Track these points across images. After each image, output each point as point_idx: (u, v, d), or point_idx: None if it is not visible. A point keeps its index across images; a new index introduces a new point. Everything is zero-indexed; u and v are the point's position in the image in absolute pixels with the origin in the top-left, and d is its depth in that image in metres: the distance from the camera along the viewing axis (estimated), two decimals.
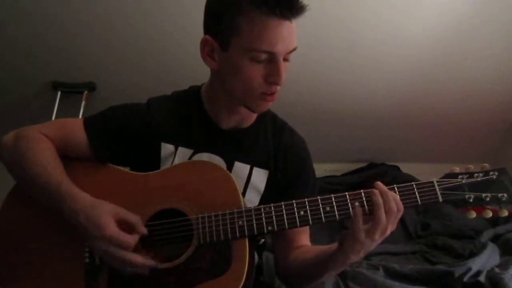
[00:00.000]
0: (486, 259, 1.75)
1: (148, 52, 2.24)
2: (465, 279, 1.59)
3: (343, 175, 2.82)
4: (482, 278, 1.57)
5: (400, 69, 2.42)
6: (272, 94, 0.97)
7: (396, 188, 0.88)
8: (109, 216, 0.89)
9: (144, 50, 2.22)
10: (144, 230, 0.92)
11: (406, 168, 2.79)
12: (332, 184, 2.62)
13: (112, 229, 0.88)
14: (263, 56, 0.91)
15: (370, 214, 0.86)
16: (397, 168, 2.81)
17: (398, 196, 0.87)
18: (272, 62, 0.92)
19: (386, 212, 0.85)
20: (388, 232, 0.86)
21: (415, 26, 2.21)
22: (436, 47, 2.30)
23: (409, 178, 2.65)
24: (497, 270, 1.63)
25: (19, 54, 2.20)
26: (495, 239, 1.99)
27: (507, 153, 2.89)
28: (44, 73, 2.29)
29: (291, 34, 0.91)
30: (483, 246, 1.86)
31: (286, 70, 0.95)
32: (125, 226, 0.91)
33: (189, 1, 2.02)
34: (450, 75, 2.46)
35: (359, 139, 2.80)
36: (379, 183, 0.88)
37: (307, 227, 1.12)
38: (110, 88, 2.35)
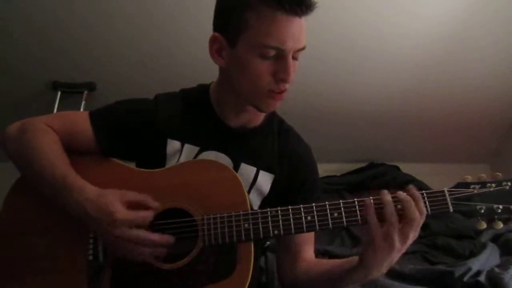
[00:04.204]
0: (486, 259, 1.75)
1: (148, 52, 2.24)
2: (465, 279, 1.59)
3: (343, 175, 2.82)
4: (482, 278, 1.57)
5: (400, 69, 2.42)
6: (281, 92, 0.96)
7: None
8: (117, 201, 0.89)
9: (144, 50, 2.22)
10: (156, 204, 0.92)
11: (406, 168, 2.79)
12: (332, 184, 2.62)
13: (123, 212, 0.87)
14: (272, 53, 0.90)
15: (381, 220, 0.84)
16: (397, 168, 2.81)
17: (421, 200, 0.84)
18: (280, 58, 0.91)
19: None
20: (411, 238, 0.82)
21: (416, 26, 2.21)
22: (436, 46, 2.30)
23: (409, 178, 2.65)
24: (497, 270, 1.63)
25: (19, 54, 2.19)
26: (495, 239, 1.99)
27: (507, 153, 2.89)
28: (44, 73, 2.29)
29: (301, 31, 0.90)
30: (483, 246, 1.87)
31: (295, 69, 0.94)
32: (135, 207, 0.90)
33: (190, 1, 2.02)
34: (450, 74, 2.46)
35: (359, 139, 2.80)
36: (400, 192, 0.84)
37: (313, 240, 1.11)
38: (110, 88, 2.35)
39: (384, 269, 0.86)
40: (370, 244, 0.84)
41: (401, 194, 0.84)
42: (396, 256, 0.84)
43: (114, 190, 0.92)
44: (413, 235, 0.83)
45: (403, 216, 0.83)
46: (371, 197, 0.86)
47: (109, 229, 0.87)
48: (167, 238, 0.90)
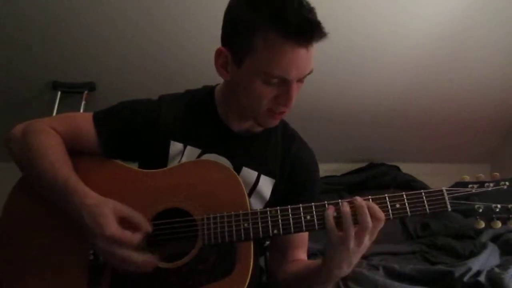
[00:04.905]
0: (486, 259, 1.75)
1: (148, 52, 2.24)
2: (465, 279, 1.59)
3: (343, 175, 2.82)
4: (482, 278, 1.57)
5: (400, 69, 2.42)
6: (280, 113, 0.97)
7: (404, 195, 0.88)
8: (111, 214, 0.89)
9: (144, 50, 2.22)
10: (148, 227, 0.91)
11: (406, 168, 2.79)
12: (332, 184, 2.62)
13: (112, 228, 0.87)
14: (275, 80, 0.90)
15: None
16: (397, 168, 2.81)
17: (376, 206, 0.85)
18: (284, 85, 0.91)
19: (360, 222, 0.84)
20: (366, 241, 0.85)
21: (416, 26, 2.21)
22: (436, 46, 2.30)
23: (409, 178, 2.65)
24: (497, 270, 1.63)
25: (19, 54, 2.19)
26: (495, 239, 1.99)
27: (507, 153, 2.89)
28: (44, 73, 2.29)
29: (308, 60, 0.90)
30: (483, 246, 1.87)
31: (299, 89, 0.95)
32: (128, 224, 0.90)
33: (190, 1, 2.03)
34: (450, 75, 2.46)
35: (359, 139, 2.80)
36: (356, 197, 0.87)
37: (305, 243, 1.12)
38: (110, 88, 2.35)
39: (345, 269, 0.88)
40: (329, 247, 0.87)
41: (357, 200, 0.86)
42: (355, 258, 0.87)
43: (111, 201, 0.92)
44: (368, 238, 0.85)
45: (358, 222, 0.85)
46: (326, 202, 0.89)
47: (97, 240, 0.88)
48: (151, 261, 0.89)
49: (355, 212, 0.85)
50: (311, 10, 0.87)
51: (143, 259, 0.88)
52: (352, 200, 0.87)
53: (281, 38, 0.85)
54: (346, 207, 0.86)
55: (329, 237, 0.86)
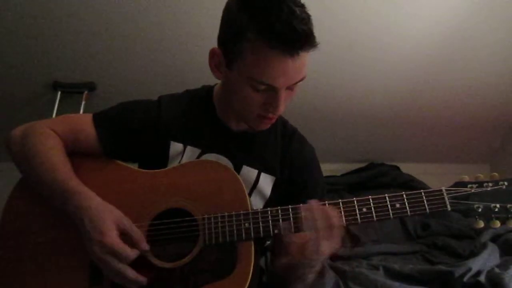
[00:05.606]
0: (486, 259, 1.75)
1: (149, 52, 2.24)
2: (465, 279, 1.59)
3: (343, 175, 2.81)
4: (482, 278, 1.57)
5: (400, 69, 2.42)
6: (270, 118, 0.97)
7: (404, 195, 0.88)
8: (113, 224, 0.89)
9: (144, 50, 2.22)
10: (145, 247, 0.92)
11: (406, 168, 2.79)
12: (332, 184, 2.62)
13: (113, 237, 0.87)
14: (263, 87, 0.90)
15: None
16: (397, 168, 2.81)
17: (334, 212, 0.86)
18: (272, 92, 0.91)
19: (314, 228, 0.84)
20: (326, 248, 0.85)
21: (416, 26, 2.21)
22: (436, 46, 2.30)
23: (409, 178, 2.65)
24: (497, 270, 1.62)
25: (19, 54, 2.19)
26: (495, 239, 1.99)
27: (507, 153, 2.89)
28: (44, 73, 2.29)
29: (297, 68, 0.88)
30: (483, 246, 1.87)
31: (290, 96, 0.95)
32: (127, 237, 0.90)
33: (190, 1, 2.03)
34: (450, 75, 2.46)
35: (359, 139, 2.80)
36: (311, 201, 0.88)
37: None
38: (110, 88, 2.35)
39: (316, 268, 0.90)
40: (282, 254, 0.89)
41: (311, 204, 0.87)
42: (320, 259, 0.87)
43: (114, 210, 0.92)
44: (327, 244, 0.85)
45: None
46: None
47: (94, 246, 0.88)
48: (142, 280, 0.90)
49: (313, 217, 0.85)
50: (303, 20, 0.85)
51: (135, 277, 0.89)
52: (307, 206, 0.87)
53: (266, 46, 0.84)
54: (306, 212, 0.86)
55: (289, 248, 0.87)
